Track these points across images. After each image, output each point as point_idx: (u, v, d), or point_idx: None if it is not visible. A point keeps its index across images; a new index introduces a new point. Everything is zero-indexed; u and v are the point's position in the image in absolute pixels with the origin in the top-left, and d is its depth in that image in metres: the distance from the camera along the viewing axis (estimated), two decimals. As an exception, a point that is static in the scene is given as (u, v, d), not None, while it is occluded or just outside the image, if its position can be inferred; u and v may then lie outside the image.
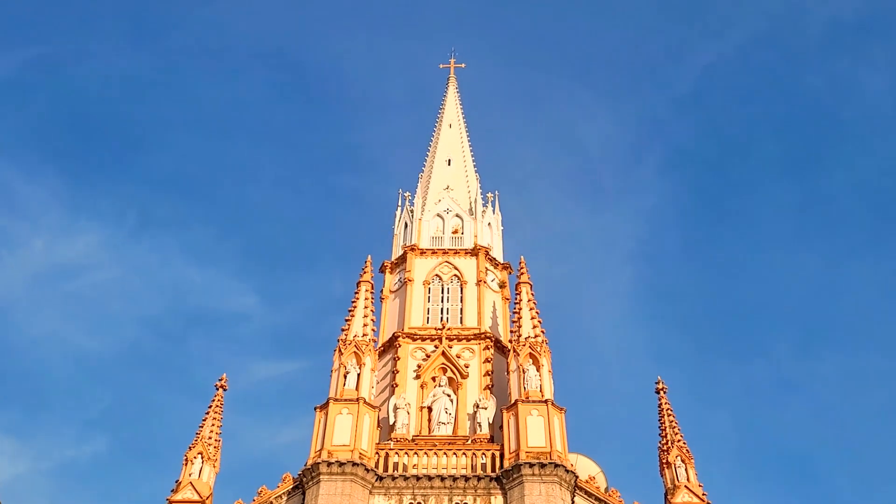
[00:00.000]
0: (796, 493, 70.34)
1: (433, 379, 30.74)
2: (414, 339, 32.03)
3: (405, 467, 26.65)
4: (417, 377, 30.66)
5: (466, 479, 26.16)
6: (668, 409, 30.17)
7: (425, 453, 27.12)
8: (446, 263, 35.57)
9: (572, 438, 27.49)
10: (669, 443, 28.75)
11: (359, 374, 28.79)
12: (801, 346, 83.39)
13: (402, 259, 35.97)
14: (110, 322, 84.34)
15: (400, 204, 40.00)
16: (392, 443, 27.85)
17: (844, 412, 76.59)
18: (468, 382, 30.44)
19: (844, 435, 74.62)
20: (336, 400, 27.77)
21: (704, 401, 74.61)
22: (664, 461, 28.35)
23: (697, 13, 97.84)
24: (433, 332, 32.24)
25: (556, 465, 25.59)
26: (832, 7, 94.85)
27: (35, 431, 75.06)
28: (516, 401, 27.73)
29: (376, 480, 26.05)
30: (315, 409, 27.95)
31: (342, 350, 29.45)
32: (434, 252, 36.05)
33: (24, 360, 78.16)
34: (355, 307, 31.50)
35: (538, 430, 26.75)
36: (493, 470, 26.41)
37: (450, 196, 39.42)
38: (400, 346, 31.69)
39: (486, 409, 29.17)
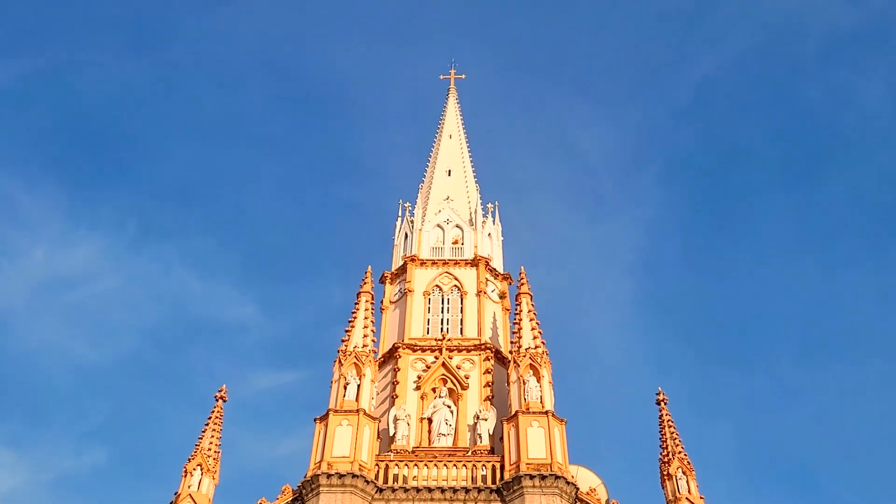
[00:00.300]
0: (798, 503, 70.12)
1: (433, 390, 30.67)
2: (414, 350, 31.98)
3: (405, 479, 26.56)
4: (417, 388, 30.60)
5: (467, 490, 26.07)
6: (668, 421, 30.09)
7: (425, 465, 27.03)
8: (446, 274, 35.55)
9: (573, 450, 27.46)
10: (670, 454, 28.66)
11: (359, 386, 28.73)
12: (801, 355, 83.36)
13: (403, 269, 35.95)
14: (110, 332, 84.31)
15: (400, 214, 40.03)
16: (392, 454, 27.77)
17: (846, 421, 76.47)
18: (468, 393, 30.38)
19: (846, 444, 74.51)
20: (336, 411, 27.69)
21: (705, 411, 74.52)
22: (665, 473, 28.25)
23: (696, 23, 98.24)
24: (433, 342, 32.18)
25: (557, 477, 25.51)
26: (830, 17, 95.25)
27: (34, 443, 74.90)
28: (517, 412, 27.66)
29: (376, 492, 25.95)
30: (315, 420, 27.88)
31: (342, 361, 29.40)
32: (434, 262, 36.04)
33: (24, 370, 78.10)
34: (355, 318, 31.46)
35: (539, 442, 26.68)
36: (494, 482, 26.32)
37: (450, 206, 39.44)
38: (400, 356, 31.64)
39: (486, 420, 29.10)
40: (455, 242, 37.58)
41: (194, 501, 26.67)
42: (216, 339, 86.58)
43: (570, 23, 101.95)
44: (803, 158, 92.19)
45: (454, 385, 30.62)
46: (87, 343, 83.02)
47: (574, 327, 76.18)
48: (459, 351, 31.90)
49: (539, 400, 28.09)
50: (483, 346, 31.97)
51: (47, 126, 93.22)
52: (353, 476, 25.62)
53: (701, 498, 27.17)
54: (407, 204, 40.27)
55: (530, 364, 29.06)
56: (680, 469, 28.01)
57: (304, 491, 25.97)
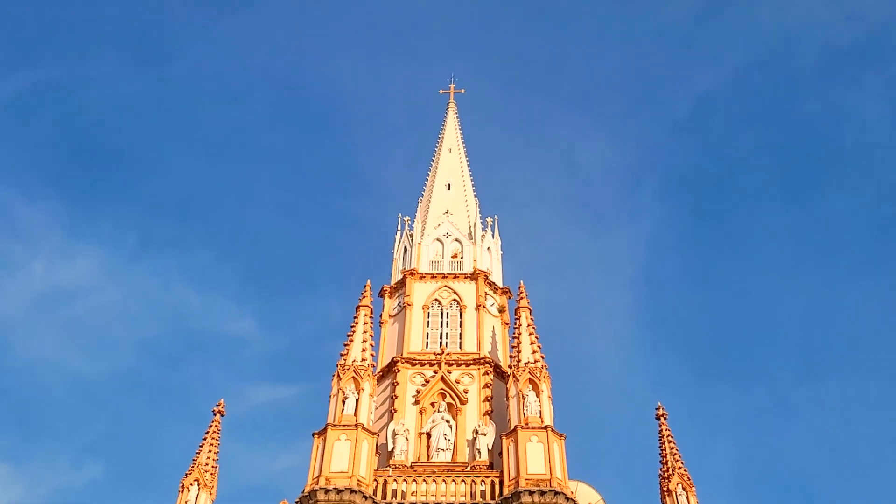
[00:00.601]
0: (798, 519, 69.73)
1: (432, 404, 30.55)
2: (413, 365, 31.87)
3: (404, 494, 26.41)
4: (416, 403, 30.47)
5: (465, 506, 25.90)
6: (668, 436, 30.01)
7: (424, 480, 26.88)
8: (446, 288, 35.50)
9: (572, 465, 27.30)
10: (670, 470, 28.56)
11: (357, 400, 28.61)
12: (801, 370, 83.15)
13: (402, 283, 35.89)
14: (108, 346, 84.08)
15: (399, 228, 40.02)
16: (390, 469, 27.61)
17: (846, 437, 76.18)
18: (467, 408, 30.25)
19: (846, 460, 74.20)
20: (334, 426, 27.56)
21: (705, 427, 74.12)
22: (665, 489, 28.15)
23: (695, 38, 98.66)
24: (432, 357, 32.08)
25: (556, 493, 25.37)
26: (828, 32, 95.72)
27: (30, 457, 74.54)
28: (516, 427, 27.53)
29: (374, 508, 25.78)
30: (313, 434, 27.73)
31: (341, 375, 29.29)
32: (433, 276, 36.00)
33: (21, 383, 77.90)
34: (354, 332, 31.37)
35: (538, 457, 26.55)
36: (493, 497, 26.18)
37: (449, 220, 39.44)
38: (399, 371, 31.53)
39: (485, 435, 28.96)
40: (454, 256, 37.55)
41: (191, 517, 26.51)
42: (214, 353, 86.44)
43: (569, 38, 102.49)
44: (802, 172, 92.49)
45: (453, 399, 30.50)
46: (84, 357, 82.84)
47: (573, 342, 76.13)
48: (458, 365, 31.80)
49: (538, 415, 27.98)
50: (482, 361, 31.87)
51: (48, 139, 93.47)
52: (352, 491, 25.46)
53: (701, 514, 27.02)
54: (406, 218, 40.30)
55: (529, 379, 28.97)
56: (680, 485, 27.90)
57: (301, 506, 25.79)
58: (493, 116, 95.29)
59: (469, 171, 44.25)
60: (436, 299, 34.98)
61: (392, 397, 30.88)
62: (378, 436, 28.76)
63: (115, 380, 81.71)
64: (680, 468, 28.67)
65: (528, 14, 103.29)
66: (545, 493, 25.33)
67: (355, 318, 32.10)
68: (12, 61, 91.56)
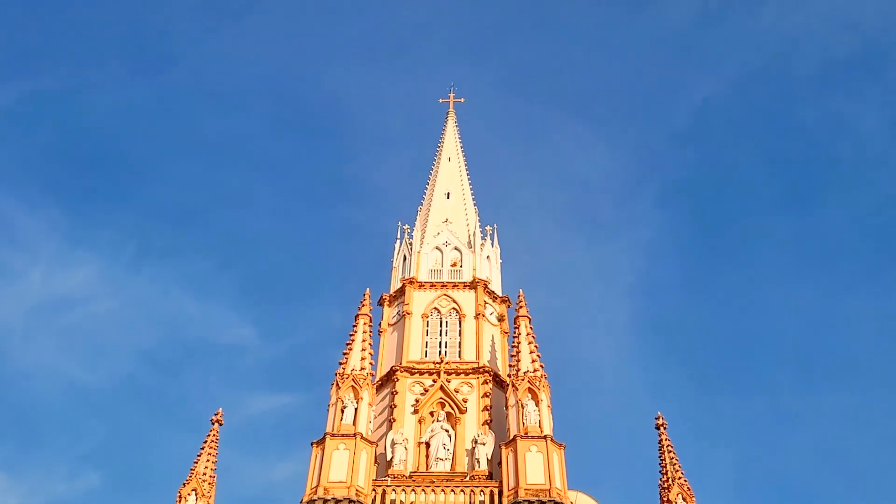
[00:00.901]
0: (798, 529, 69.48)
1: (431, 414, 30.44)
2: (412, 373, 31.79)
3: (402, 504, 26.28)
4: (415, 412, 30.37)
5: (464, 516, 25.79)
6: (668, 446, 29.91)
7: (423, 490, 26.77)
8: (445, 296, 35.45)
9: (572, 475, 27.20)
10: (670, 480, 28.45)
11: (356, 409, 28.53)
12: (801, 380, 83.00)
13: (401, 292, 35.84)
14: (106, 354, 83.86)
15: (399, 236, 40.01)
16: (389, 479, 27.50)
17: (846, 447, 75.98)
18: (466, 417, 30.14)
19: (846, 470, 73.95)
20: (333, 435, 27.47)
21: (704, 436, 73.93)
22: (665, 499, 28.04)
23: (694, 48, 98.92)
24: (431, 366, 32.00)
25: (556, 503, 25.27)
26: (826, 43, 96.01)
27: (27, 466, 74.14)
28: (515, 436, 27.44)
29: (373, 518, 25.67)
30: (311, 444, 27.64)
31: (340, 384, 29.21)
32: (433, 285, 35.96)
33: (18, 392, 77.60)
34: (353, 340, 31.30)
35: (537, 467, 26.46)
36: (492, 507, 26.03)
37: (448, 229, 39.43)
38: (398, 380, 31.44)
39: (484, 444, 28.85)
40: (454, 265, 37.52)
41: (189, 526, 26.37)
42: (213, 361, 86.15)
43: (568, 47, 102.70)
44: (800, 182, 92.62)
45: (452, 409, 30.40)
46: (82, 365, 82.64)
47: (573, 350, 75.93)
48: (458, 374, 31.71)
49: (538, 424, 27.89)
50: (481, 370, 31.79)
51: (47, 146, 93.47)
52: (350, 501, 25.39)
53: (701, 524, 26.90)
54: (406, 226, 40.29)
55: (529, 388, 28.89)
56: (680, 495, 27.79)
57: (299, 516, 25.67)
58: (492, 125, 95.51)
59: (468, 179, 44.29)
60: (435, 308, 34.92)
61: (391, 406, 30.78)
62: (377, 445, 28.65)
63: (112, 388, 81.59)
64: (680, 478, 28.56)
65: (528, 23, 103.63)
66: (545, 503, 25.25)
67: (354, 326, 32.05)
68: (11, 69, 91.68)
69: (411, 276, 36.47)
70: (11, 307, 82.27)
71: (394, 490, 26.73)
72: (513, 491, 25.92)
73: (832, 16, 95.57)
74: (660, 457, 29.93)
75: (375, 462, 28.07)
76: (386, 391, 31.84)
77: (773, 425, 78.38)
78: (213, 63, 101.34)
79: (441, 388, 30.90)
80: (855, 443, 75.86)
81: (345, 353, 30.73)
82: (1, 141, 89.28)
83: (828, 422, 78.97)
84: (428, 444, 29.37)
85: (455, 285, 35.95)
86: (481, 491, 26.69)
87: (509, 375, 30.11)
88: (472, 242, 38.67)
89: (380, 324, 34.98)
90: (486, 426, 29.71)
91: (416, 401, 30.71)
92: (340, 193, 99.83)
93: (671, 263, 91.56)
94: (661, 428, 30.64)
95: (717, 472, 69.06)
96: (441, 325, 34.32)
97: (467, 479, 27.61)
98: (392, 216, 52.24)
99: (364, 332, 31.77)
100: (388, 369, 32.47)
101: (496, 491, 26.50)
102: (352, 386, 29.08)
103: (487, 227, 40.39)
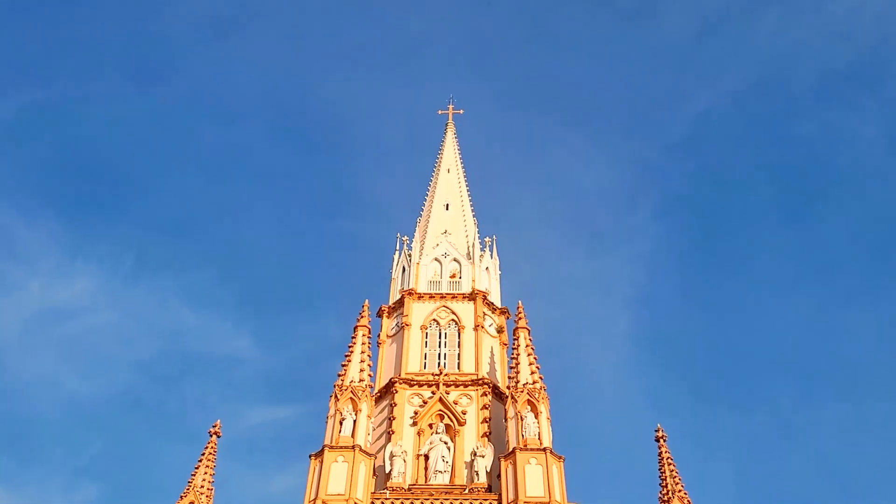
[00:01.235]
0: (798, 543, 69.15)
1: (430, 426, 30.32)
2: (411, 385, 31.68)
3: (401, 517, 26.12)
4: (414, 424, 30.25)
5: (463, 529, 25.64)
6: (668, 458, 29.78)
7: (422, 503, 26.59)
8: (444, 308, 35.39)
9: (571, 487, 27.01)
10: (670, 493, 28.31)
11: (355, 421, 28.42)
12: (801, 392, 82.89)
13: (400, 303, 35.78)
14: (104, 366, 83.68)
15: (398, 248, 39.98)
16: (388, 492, 27.35)
17: (846, 461, 75.79)
18: (465, 429, 30.02)
19: (846, 483, 73.69)
20: (331, 447, 27.35)
21: (704, 449, 73.74)
22: (665, 511, 27.85)
23: (692, 61, 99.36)
24: (430, 377, 31.89)
25: (555, 516, 25.14)
26: (824, 56, 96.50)
27: (24, 479, 73.68)
28: (514, 449, 27.33)
29: (371, 531, 25.52)
30: (310, 456, 27.53)
31: (338, 396, 29.11)
32: (432, 296, 35.90)
33: (15, 404, 77.26)
34: (352, 352, 31.21)
35: (536, 479, 26.33)
36: (491, 520, 25.91)
37: (448, 240, 39.41)
38: (397, 391, 31.33)
39: (483, 457, 28.72)
40: (453, 276, 37.48)
41: (186, 539, 26.21)
42: (211, 373, 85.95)
43: (567, 59, 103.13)
44: (799, 193, 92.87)
45: (451, 421, 30.28)
46: (80, 377, 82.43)
47: (572, 362, 75.79)
48: (457, 386, 31.61)
49: (537, 436, 27.78)
50: (480, 382, 31.69)
51: (46, 159, 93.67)
52: (349, 514, 25.21)
53: (701, 538, 26.74)
54: (405, 237, 40.27)
55: (528, 400, 28.80)
56: (680, 508, 27.60)
57: (298, 529, 25.53)
58: (491, 137, 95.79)
59: (468, 191, 44.32)
60: (434, 319, 34.85)
61: (390, 418, 30.66)
62: (375, 457, 28.52)
63: (110, 400, 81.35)
64: (680, 491, 28.42)
65: (527, 36, 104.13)
66: (544, 516, 25.09)
67: (353, 338, 31.98)
68: (11, 80, 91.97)
69: (410, 287, 36.42)
70: (10, 318, 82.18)
71: (392, 503, 26.57)
72: (512, 504, 25.80)
73: (829, 28, 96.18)
74: (660, 469, 29.79)
75: (374, 474, 27.93)
76: (385, 403, 31.72)
77: (774, 437, 78.26)
78: (212, 74, 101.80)
79: (440, 399, 30.79)
80: (855, 455, 75.74)
81: (343, 365, 30.64)
82: (0, 152, 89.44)
83: (828, 434, 78.86)
84: (427, 457, 29.24)
85: (454, 297, 35.89)
86: (480, 503, 26.51)
87: (508, 387, 30.02)
88: (471, 254, 38.64)
89: (379, 335, 34.90)
90: (486, 438, 29.59)
91: (415, 413, 30.59)
92: (339, 205, 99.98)
93: (670, 275, 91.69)
94: (661, 440, 30.51)
95: (717, 485, 68.80)
96: (440, 337, 34.24)
97: (466, 491, 27.48)
98: (391, 227, 52.31)
99: (363, 343, 31.69)
100: (387, 381, 32.37)
101: (495, 503, 26.37)
102: (350, 398, 28.98)
103: (486, 239, 40.41)
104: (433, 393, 31.08)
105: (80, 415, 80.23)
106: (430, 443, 29.56)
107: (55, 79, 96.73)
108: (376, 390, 31.95)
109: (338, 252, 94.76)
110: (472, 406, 30.89)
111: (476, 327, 34.36)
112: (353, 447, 27.26)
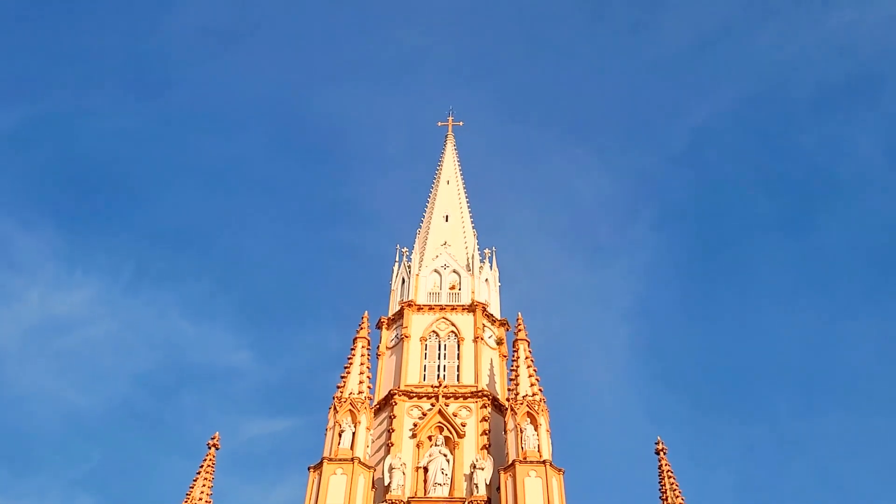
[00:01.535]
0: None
1: (429, 438, 30.22)
2: (410, 397, 31.59)
3: (400, 530, 25.99)
4: (413, 436, 30.15)
5: (463, 542, 25.53)
6: (668, 471, 29.70)
7: (421, 515, 26.48)
8: (443, 320, 35.34)
9: (571, 500, 26.91)
10: (670, 505, 28.17)
11: (354, 433, 28.35)
12: (801, 404, 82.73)
13: (399, 315, 35.73)
14: (102, 377, 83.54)
15: (397, 259, 39.97)
16: (387, 504, 27.24)
17: (846, 471, 75.54)
18: (465, 442, 29.91)
19: (846, 495, 73.36)
20: (330, 460, 27.26)
21: (704, 461, 73.51)
22: (665, 525, 27.73)
23: (691, 73, 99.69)
24: (430, 389, 31.81)
25: (555, 529, 25.03)
26: (822, 68, 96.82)
27: (21, 490, 73.27)
28: (514, 461, 27.23)
29: (370, 544, 25.39)
30: (309, 469, 27.45)
31: (337, 408, 29.03)
32: (431, 308, 35.86)
33: (13, 415, 76.96)
34: (351, 364, 31.16)
35: (536, 492, 26.24)
36: (491, 533, 25.80)
37: (447, 252, 39.40)
38: (396, 403, 31.24)
39: (482, 469, 28.59)
40: (452, 288, 37.45)
41: (184, 552, 26.09)
42: (210, 385, 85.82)
43: (566, 71, 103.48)
44: (798, 205, 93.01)
45: (451, 433, 30.17)
46: (78, 388, 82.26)
47: (572, 374, 75.66)
48: (456, 398, 31.52)
49: (536, 449, 27.69)
50: (480, 394, 31.60)
51: (46, 169, 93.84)
52: (347, 527, 25.09)
53: (702, 551, 26.62)
54: (404, 249, 40.27)
55: (528, 412, 28.72)
56: (680, 521, 27.49)
57: (296, 542, 25.40)
58: (491, 149, 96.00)
59: (467, 202, 44.36)
60: (433, 331, 34.80)
61: (389, 430, 30.56)
62: (374, 470, 28.41)
63: (108, 412, 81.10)
64: (680, 503, 28.30)
65: (526, 48, 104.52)
66: (544, 529, 24.98)
67: (352, 349, 31.93)
68: (11, 92, 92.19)
69: (410, 299, 36.39)
70: (8, 329, 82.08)
71: (391, 516, 26.45)
72: (512, 517, 25.66)
73: (828, 41, 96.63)
74: (660, 482, 29.70)
75: (373, 487, 27.82)
76: (384, 415, 31.63)
77: (773, 449, 78.03)
78: (211, 86, 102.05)
79: (439, 411, 30.70)
80: (855, 466, 75.51)
81: (343, 377, 30.59)
82: (0, 163, 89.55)
83: (828, 445, 78.66)
84: (426, 469, 29.12)
85: (454, 308, 35.85)
86: (480, 517, 26.44)
87: (508, 399, 29.95)
88: (470, 265, 38.63)
89: (378, 347, 34.85)
90: (485, 451, 29.48)
91: (415, 425, 30.50)
92: (339, 216, 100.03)
93: (670, 286, 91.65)
94: (661, 453, 30.43)
95: (717, 498, 68.40)
96: (439, 349, 34.19)
97: (466, 504, 27.37)
98: (390, 239, 52.31)
99: (362, 355, 31.64)
100: (387, 393, 32.28)
101: (495, 517, 26.25)
102: (349, 410, 28.90)
103: (486, 250, 40.42)
104: (432, 405, 30.99)
105: (78, 426, 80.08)
106: (430, 455, 29.45)
107: (55, 90, 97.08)
108: (375, 402, 31.86)
109: (337, 263, 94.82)
110: (471, 418, 30.79)
111: (476, 339, 34.30)
112: (352, 459, 27.17)
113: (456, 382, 32.58)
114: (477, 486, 28.07)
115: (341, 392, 29.81)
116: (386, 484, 28.35)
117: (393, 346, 34.91)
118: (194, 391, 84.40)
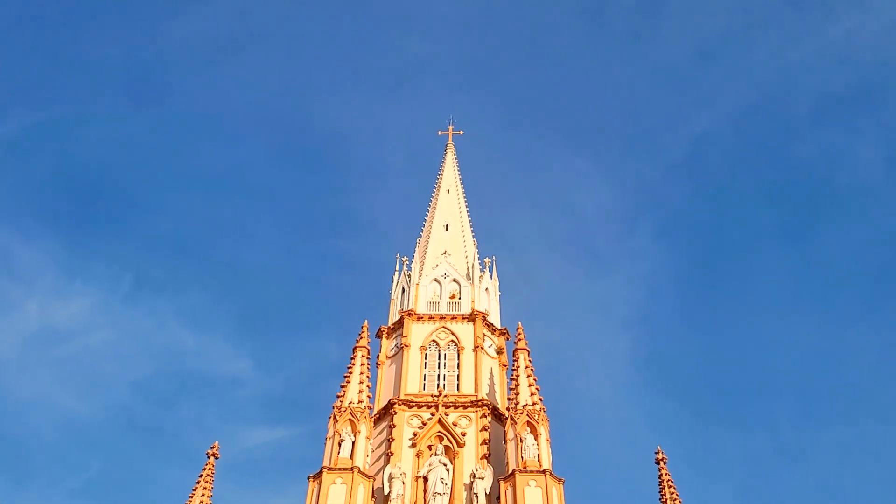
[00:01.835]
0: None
1: (429, 447, 30.16)
2: (410, 407, 31.55)
3: (400, 540, 25.93)
4: (413, 445, 30.10)
5: (463, 552, 25.46)
6: (668, 480, 29.67)
7: (420, 525, 26.42)
8: (443, 329, 35.33)
9: (571, 510, 26.86)
10: (671, 515, 28.13)
11: (353, 443, 28.33)
12: (800, 413, 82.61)
13: (399, 324, 35.72)
14: (101, 386, 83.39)
15: (397, 269, 39.99)
16: (386, 514, 27.19)
17: (846, 481, 75.32)
18: (465, 451, 29.86)
19: (847, 505, 73.17)
20: (330, 469, 27.23)
21: (704, 471, 73.37)
22: (665, 535, 27.68)
23: (691, 82, 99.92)
24: (430, 399, 31.78)
25: (555, 539, 24.99)
26: (822, 78, 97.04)
27: (19, 499, 72.92)
28: (514, 471, 27.19)
29: (370, 554, 25.33)
30: (308, 478, 27.41)
31: (337, 417, 29.01)
32: (431, 317, 35.85)
33: (12, 424, 76.82)
34: (351, 373, 31.15)
35: (536, 502, 26.23)
36: (491, 543, 25.74)
37: (447, 261, 39.42)
38: (396, 413, 31.20)
39: (482, 479, 28.54)
40: (452, 297, 37.45)
41: (183, 562, 26.02)
42: (209, 394, 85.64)
43: (567, 81, 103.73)
44: (798, 216, 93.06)
45: (450, 442, 30.13)
46: (77, 397, 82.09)
47: (571, 383, 75.46)
48: (456, 407, 31.49)
49: (537, 458, 27.65)
50: (480, 403, 31.57)
51: (45, 178, 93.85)
52: (347, 537, 25.04)
53: (702, 561, 26.56)
54: (404, 258, 40.29)
55: (528, 421, 28.69)
56: (681, 531, 27.44)
57: (295, 552, 25.36)
58: (491, 158, 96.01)
59: (467, 211, 44.41)
60: (433, 340, 34.79)
61: (389, 440, 30.51)
62: (374, 479, 28.37)
63: (107, 421, 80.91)
64: (680, 514, 28.27)
65: (526, 57, 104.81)
66: (544, 539, 24.93)
67: (352, 359, 31.93)
68: (10, 100, 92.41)
69: (410, 308, 36.39)
70: (7, 338, 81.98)
71: (391, 525, 26.40)
72: (512, 526, 25.61)
73: (828, 50, 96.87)
74: (660, 491, 29.66)
75: (373, 496, 27.77)
76: (384, 424, 31.58)
77: (773, 459, 77.83)
78: (211, 95, 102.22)
79: (439, 421, 30.66)
80: (855, 477, 75.26)
81: (342, 386, 30.58)
82: (0, 172, 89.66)
83: (828, 455, 78.50)
84: (426, 479, 29.05)
85: (454, 317, 35.85)
86: (480, 526, 26.38)
87: (508, 409, 29.93)
88: (470, 274, 38.65)
89: (378, 356, 34.83)
90: (485, 460, 29.43)
91: (414, 434, 30.45)
92: (339, 225, 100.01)
93: (669, 295, 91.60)
94: (661, 462, 30.39)
95: (717, 508, 68.29)
96: (439, 358, 34.16)
97: (465, 514, 27.30)
98: (391, 248, 52.44)
99: (362, 364, 31.62)
100: (386, 402, 32.24)
101: (495, 526, 26.19)
102: (349, 419, 28.88)
103: (486, 260, 40.42)
104: (432, 414, 30.95)
105: (77, 435, 79.92)
106: (430, 464, 29.39)
107: (54, 99, 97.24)
108: (375, 411, 31.83)
109: (337, 272, 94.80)
110: (471, 428, 30.75)
111: (475, 348, 34.29)
112: (352, 469, 27.13)
113: (456, 392, 32.55)
114: (477, 496, 28.01)
115: (341, 401, 29.80)
116: (385, 493, 28.28)
117: (393, 356, 34.89)
118: (194, 400, 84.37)
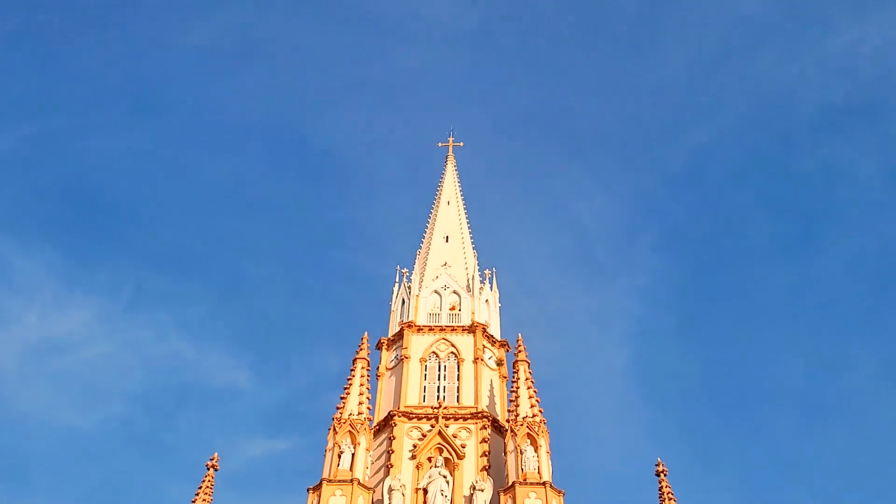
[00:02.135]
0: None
1: (429, 459, 30.12)
2: (410, 418, 31.52)
3: (399, 552, 25.85)
4: (413, 457, 30.06)
5: (462, 565, 25.39)
6: (668, 493, 29.60)
7: (420, 538, 26.35)
8: (443, 340, 35.33)
9: (571, 522, 26.81)
10: (671, 528, 28.05)
11: (353, 454, 28.29)
12: (801, 426, 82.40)
13: (399, 336, 35.73)
14: (100, 398, 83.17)
15: (397, 280, 40.03)
16: (386, 526, 27.11)
17: (847, 494, 75.03)
18: (465, 463, 29.81)
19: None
20: (329, 481, 27.18)
21: (704, 483, 73.05)
22: (666, 547, 27.59)
23: (691, 94, 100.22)
24: (429, 410, 31.75)
25: (555, 552, 24.91)
26: (822, 90, 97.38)
27: (16, 512, 72.90)
28: (514, 483, 27.14)
29: (369, 566, 25.25)
30: (308, 490, 27.37)
31: (337, 429, 28.99)
32: (431, 329, 35.86)
33: (10, 436, 76.58)
34: (351, 385, 31.14)
35: (536, 514, 26.10)
36: (490, 556, 25.66)
37: (447, 273, 39.47)
38: (395, 424, 31.17)
39: (482, 491, 28.49)
40: (452, 308, 37.48)
41: (182, 575, 25.95)
42: (208, 406, 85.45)
43: (567, 93, 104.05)
44: (797, 228, 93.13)
45: (450, 454, 30.08)
46: (76, 409, 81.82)
47: (571, 395, 75.28)
48: (456, 419, 31.46)
49: (537, 470, 27.61)
50: (480, 415, 31.54)
51: (45, 190, 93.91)
52: (346, 549, 24.97)
53: (703, 574, 26.47)
54: (404, 270, 40.35)
55: (528, 433, 28.66)
56: (681, 544, 27.36)
57: (295, 564, 25.28)
58: (491, 170, 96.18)
59: (467, 223, 44.49)
60: (433, 352, 34.79)
61: (388, 451, 30.47)
62: (374, 491, 28.30)
63: (106, 433, 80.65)
64: (681, 526, 28.19)
65: (527, 69, 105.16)
66: (544, 551, 24.85)
67: (352, 370, 31.92)
68: (11, 112, 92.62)
69: (410, 319, 36.41)
70: (6, 350, 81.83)
71: (391, 538, 26.32)
72: (512, 539, 25.54)
73: (828, 63, 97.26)
74: (660, 504, 29.56)
75: (372, 509, 27.70)
76: (383, 436, 31.54)
77: (774, 472, 77.57)
78: (211, 108, 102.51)
79: (439, 433, 30.63)
80: (856, 490, 74.98)
81: (342, 398, 30.57)
82: (0, 183, 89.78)
83: (828, 468, 78.24)
84: (426, 491, 29.00)
85: (454, 329, 35.86)
86: (480, 539, 26.30)
87: (508, 421, 29.90)
88: (470, 286, 38.68)
89: (378, 368, 34.83)
90: (485, 472, 29.38)
91: (414, 446, 30.41)
92: (339, 237, 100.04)
93: (669, 309, 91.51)
94: (662, 475, 30.32)
95: (718, 521, 68.06)
96: (439, 370, 34.16)
97: (465, 526, 27.24)
98: (391, 260, 52.47)
99: (362, 376, 31.62)
100: (386, 414, 32.21)
101: (495, 539, 26.11)
102: (349, 431, 28.85)
103: (486, 271, 40.47)
104: (432, 426, 30.92)
105: (76, 447, 79.63)
106: (429, 476, 29.34)
107: (56, 111, 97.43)
108: (375, 423, 31.80)
109: (337, 284, 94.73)
110: (471, 439, 30.72)
111: (475, 360, 34.28)
112: (352, 481, 27.09)
113: (456, 403, 32.53)
114: (477, 508, 27.95)
115: (341, 413, 29.78)
116: (385, 506, 28.24)
117: (393, 367, 34.88)
118: (193, 412, 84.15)
